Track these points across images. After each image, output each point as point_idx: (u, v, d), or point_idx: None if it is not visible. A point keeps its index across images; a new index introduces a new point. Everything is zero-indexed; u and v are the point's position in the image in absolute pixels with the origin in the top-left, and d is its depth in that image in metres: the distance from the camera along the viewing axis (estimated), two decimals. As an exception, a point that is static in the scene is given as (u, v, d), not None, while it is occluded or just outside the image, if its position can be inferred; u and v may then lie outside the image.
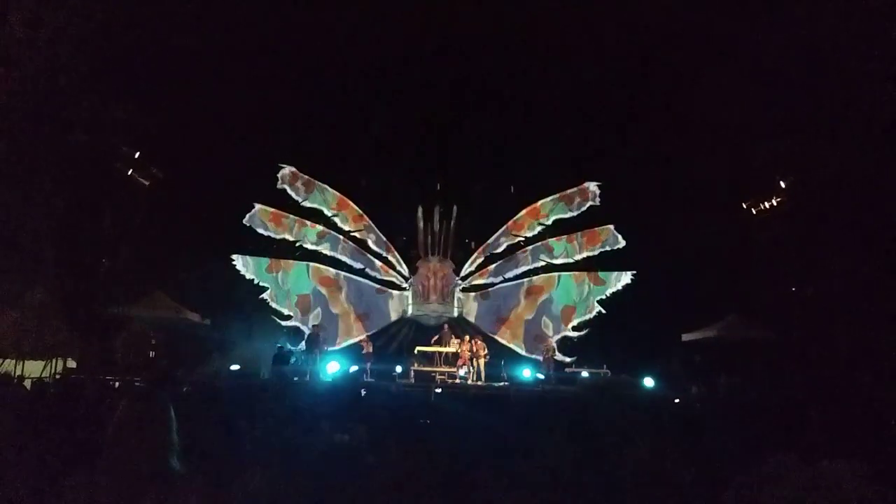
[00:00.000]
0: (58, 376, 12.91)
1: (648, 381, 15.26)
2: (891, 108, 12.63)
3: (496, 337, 18.41)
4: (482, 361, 16.53)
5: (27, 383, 9.39)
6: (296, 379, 13.30)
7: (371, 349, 16.88)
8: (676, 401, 11.03)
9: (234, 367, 14.33)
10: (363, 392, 7.62)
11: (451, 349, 16.72)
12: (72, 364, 14.28)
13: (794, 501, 1.79)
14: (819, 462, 1.93)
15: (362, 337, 17.64)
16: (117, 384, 11.01)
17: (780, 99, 14.97)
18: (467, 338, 17.12)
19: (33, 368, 13.03)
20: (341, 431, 4.14)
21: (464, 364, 16.36)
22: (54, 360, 13.76)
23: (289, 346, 16.81)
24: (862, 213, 14.12)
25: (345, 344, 18.12)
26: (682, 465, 3.18)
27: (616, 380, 15.45)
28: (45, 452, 3.77)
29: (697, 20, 14.96)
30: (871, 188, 13.76)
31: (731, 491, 1.78)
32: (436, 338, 17.20)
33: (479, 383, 15.96)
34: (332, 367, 14.54)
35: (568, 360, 17.89)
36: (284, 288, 18.03)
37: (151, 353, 15.05)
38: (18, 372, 12.50)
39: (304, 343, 16.62)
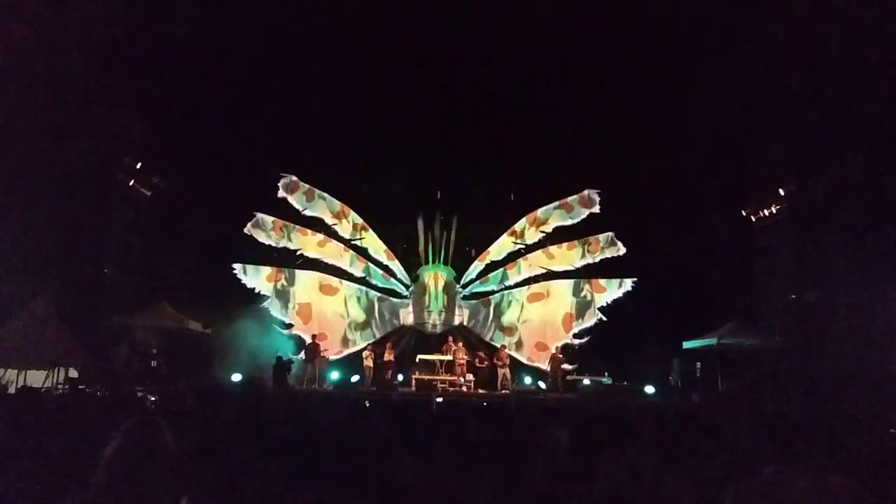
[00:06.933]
0: (60, 386, 12.92)
1: (649, 389, 15.31)
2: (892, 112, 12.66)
3: (497, 345, 18.39)
4: (506, 370, 16.55)
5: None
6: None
7: (371, 363, 16.65)
8: (677, 409, 11.02)
9: (236, 377, 14.33)
10: (367, 403, 7.63)
11: (460, 358, 16.66)
12: (73, 374, 14.27)
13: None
14: (815, 472, 1.95)
15: (364, 348, 17.54)
16: (120, 394, 10.99)
17: (781, 104, 15.03)
18: (460, 345, 17.11)
19: (36, 378, 13.02)
20: (345, 442, 4.17)
21: (462, 373, 16.33)
22: (56, 370, 13.75)
23: (289, 356, 16.80)
24: (862, 220, 14.15)
25: (346, 353, 18.12)
26: (680, 473, 3.22)
27: (617, 387, 15.51)
28: (46, 463, 3.80)
29: (697, 24, 15.03)
30: (872, 195, 13.79)
31: (728, 499, 1.82)
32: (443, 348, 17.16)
33: (482, 392, 15.98)
34: None
35: (569, 367, 17.87)
36: (285, 297, 18.04)
37: (153, 363, 15.05)
38: (21, 381, 12.52)
39: (303, 353, 16.58)
